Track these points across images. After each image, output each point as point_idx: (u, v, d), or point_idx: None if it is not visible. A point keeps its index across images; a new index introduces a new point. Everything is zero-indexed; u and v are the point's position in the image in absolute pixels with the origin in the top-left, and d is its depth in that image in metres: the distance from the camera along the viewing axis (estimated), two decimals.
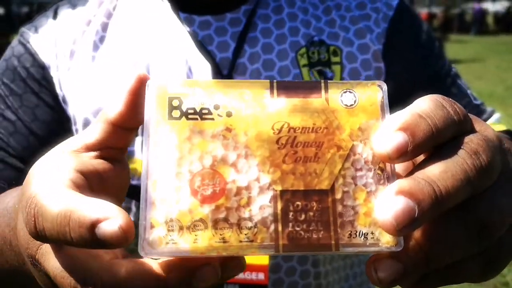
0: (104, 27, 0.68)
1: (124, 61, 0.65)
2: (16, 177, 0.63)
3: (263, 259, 0.60)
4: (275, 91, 0.29)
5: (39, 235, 0.29)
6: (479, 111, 0.69)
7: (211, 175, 0.28)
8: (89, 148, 0.33)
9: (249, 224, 0.28)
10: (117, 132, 0.33)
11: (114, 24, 0.68)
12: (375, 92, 0.31)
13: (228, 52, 0.64)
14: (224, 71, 0.64)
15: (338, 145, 0.29)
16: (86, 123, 0.64)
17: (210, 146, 0.28)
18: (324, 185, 0.29)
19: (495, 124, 0.68)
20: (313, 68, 0.65)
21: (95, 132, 0.33)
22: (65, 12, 0.69)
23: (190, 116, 0.29)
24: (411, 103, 0.29)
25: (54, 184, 0.29)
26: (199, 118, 0.29)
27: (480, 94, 0.70)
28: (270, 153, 0.29)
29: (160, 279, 0.29)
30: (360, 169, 0.29)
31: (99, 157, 0.33)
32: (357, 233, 0.28)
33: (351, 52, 0.66)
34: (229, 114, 0.29)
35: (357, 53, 0.66)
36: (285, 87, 0.30)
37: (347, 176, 0.29)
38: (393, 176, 0.29)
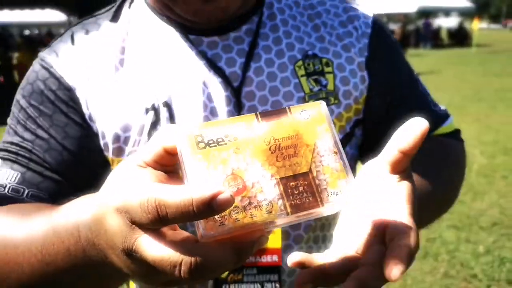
0: (122, 50, 0.75)
1: (145, 80, 0.73)
2: (54, 189, 0.69)
3: (276, 243, 0.73)
4: (259, 119, 0.43)
5: (162, 220, 0.37)
6: (438, 115, 0.85)
7: (234, 178, 0.40)
8: (148, 164, 0.42)
9: (265, 202, 0.40)
10: (167, 155, 0.42)
11: (130, 47, 0.75)
12: (319, 108, 0.46)
13: (235, 67, 0.74)
14: (234, 83, 0.73)
15: (306, 143, 0.43)
16: (117, 138, 0.72)
17: (228, 161, 0.41)
18: (304, 169, 0.43)
19: (450, 125, 0.86)
20: (310, 77, 0.76)
21: (151, 153, 0.42)
22: (81, 37, 0.76)
23: (211, 145, 0.41)
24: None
25: (158, 186, 0.39)
26: (217, 145, 0.41)
27: (439, 104, 0.88)
28: (267, 157, 0.42)
29: (234, 251, 0.39)
30: (323, 156, 0.44)
31: (158, 169, 0.42)
32: (331, 193, 0.44)
33: (340, 63, 0.78)
34: (235, 139, 0.41)
35: (345, 64, 0.78)
36: (265, 115, 0.43)
37: (316, 161, 0.44)
38: (342, 155, 0.45)
